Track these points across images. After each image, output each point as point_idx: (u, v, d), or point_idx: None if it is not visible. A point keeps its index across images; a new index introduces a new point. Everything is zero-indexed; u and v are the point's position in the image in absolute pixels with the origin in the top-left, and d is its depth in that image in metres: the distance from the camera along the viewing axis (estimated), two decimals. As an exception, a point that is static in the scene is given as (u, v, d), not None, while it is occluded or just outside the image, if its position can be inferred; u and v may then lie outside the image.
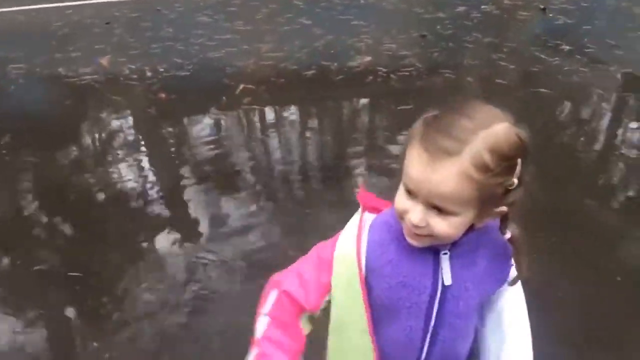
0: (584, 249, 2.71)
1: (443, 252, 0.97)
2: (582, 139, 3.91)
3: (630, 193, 3.25)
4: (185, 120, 4.15)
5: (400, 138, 3.84)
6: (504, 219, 0.95)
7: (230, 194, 3.22)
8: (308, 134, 3.95)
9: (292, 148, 3.78)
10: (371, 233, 1.03)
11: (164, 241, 2.85)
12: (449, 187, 0.83)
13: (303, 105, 4.36)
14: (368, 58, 5.01)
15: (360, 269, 1.00)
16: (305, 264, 1.07)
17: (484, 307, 1.08)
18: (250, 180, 3.38)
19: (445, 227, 0.88)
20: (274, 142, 3.85)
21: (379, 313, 1.03)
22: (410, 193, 0.89)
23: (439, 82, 4.62)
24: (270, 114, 4.22)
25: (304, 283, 1.04)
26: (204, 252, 2.76)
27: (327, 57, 5.00)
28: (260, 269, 2.52)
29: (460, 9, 6.24)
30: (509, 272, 1.04)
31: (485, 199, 0.86)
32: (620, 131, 4.01)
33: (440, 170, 0.83)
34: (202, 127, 4.03)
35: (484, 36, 5.41)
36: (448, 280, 0.98)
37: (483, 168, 0.82)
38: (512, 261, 1.02)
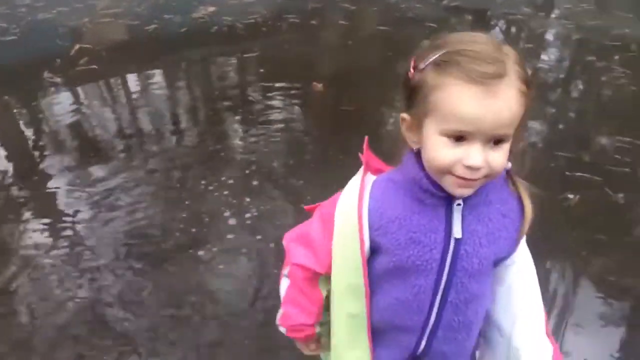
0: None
1: (457, 203, 0.91)
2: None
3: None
4: (15, 86, 3.83)
5: (247, 84, 3.85)
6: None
7: (79, 160, 3.05)
8: (155, 90, 3.82)
9: (137, 107, 3.64)
10: (374, 191, 0.97)
11: (16, 214, 2.66)
12: (512, 108, 0.80)
13: (146, 61, 4.19)
14: (212, 8, 4.90)
15: (361, 227, 0.95)
16: (311, 227, 1.04)
17: (495, 278, 1.03)
18: (99, 144, 3.20)
19: (502, 158, 0.84)
20: (117, 102, 3.68)
21: (387, 275, 0.98)
22: (459, 138, 0.83)
23: (284, 27, 4.66)
24: (110, 73, 4.00)
25: (313, 248, 1.01)
26: (60, 220, 2.62)
27: (169, 10, 4.83)
28: (131, 234, 2.49)
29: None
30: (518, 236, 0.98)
31: (525, 117, 0.85)
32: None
33: (500, 95, 0.79)
34: (35, 92, 3.75)
35: (326, -21, 5.48)
36: (458, 233, 0.92)
37: (527, 82, 0.82)
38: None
